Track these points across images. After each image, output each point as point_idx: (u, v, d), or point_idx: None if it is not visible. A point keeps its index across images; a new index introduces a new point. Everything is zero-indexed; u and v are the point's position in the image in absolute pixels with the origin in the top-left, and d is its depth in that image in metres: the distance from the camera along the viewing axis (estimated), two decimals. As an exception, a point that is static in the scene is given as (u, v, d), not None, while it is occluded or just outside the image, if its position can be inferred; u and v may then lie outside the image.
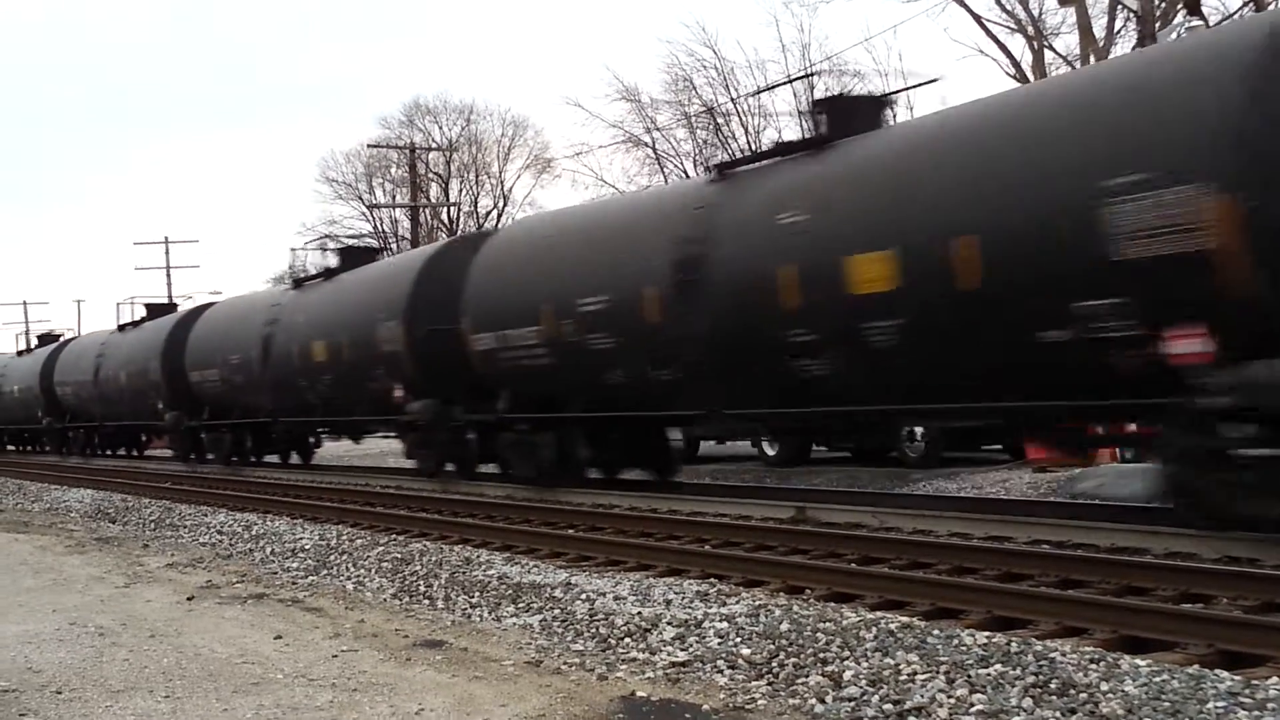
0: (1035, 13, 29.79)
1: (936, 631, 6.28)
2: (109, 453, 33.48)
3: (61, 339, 41.81)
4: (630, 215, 15.53)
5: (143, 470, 27.44)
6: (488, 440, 17.45)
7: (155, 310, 33.53)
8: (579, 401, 15.42)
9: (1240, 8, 24.34)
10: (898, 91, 28.34)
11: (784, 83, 29.50)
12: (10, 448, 39.77)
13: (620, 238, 14.80)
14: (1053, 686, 5.18)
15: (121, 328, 29.79)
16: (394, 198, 53.67)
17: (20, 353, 37.54)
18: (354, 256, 23.98)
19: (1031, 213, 9.70)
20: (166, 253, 60.49)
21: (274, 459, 27.68)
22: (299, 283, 24.58)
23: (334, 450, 31.01)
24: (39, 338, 37.43)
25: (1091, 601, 7.09)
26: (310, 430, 25.47)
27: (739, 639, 6.46)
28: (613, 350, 14.28)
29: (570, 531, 12.04)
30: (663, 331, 13.46)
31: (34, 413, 34.33)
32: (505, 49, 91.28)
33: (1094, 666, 5.42)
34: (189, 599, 8.92)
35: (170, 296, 58.24)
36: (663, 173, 40.09)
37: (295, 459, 27.37)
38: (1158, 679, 5.17)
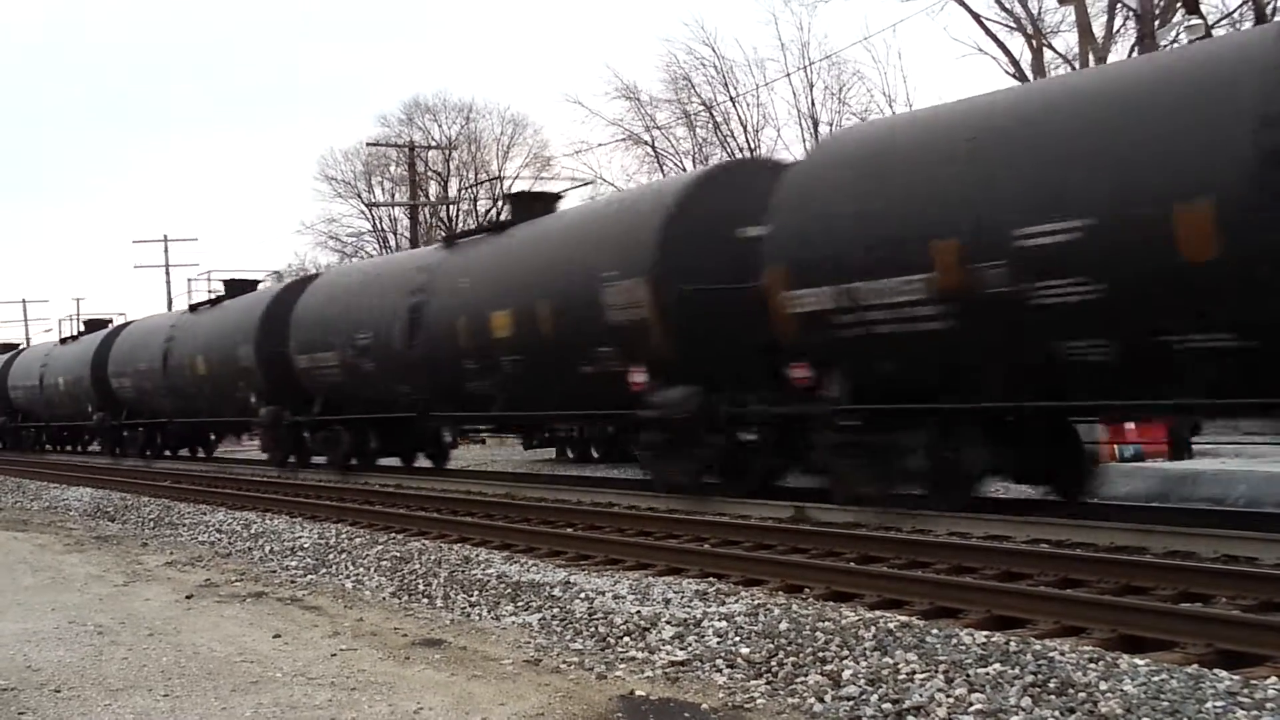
0: (1035, 11, 29.81)
1: (935, 631, 6.29)
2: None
3: (113, 324, 42.01)
4: (383, 271, 21.32)
5: (141, 469, 27.56)
6: (314, 436, 22.69)
7: (91, 325, 38.86)
8: (360, 406, 21.02)
9: (1238, 6, 24.37)
10: (571, 188, 35.99)
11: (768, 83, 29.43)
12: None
13: (376, 288, 20.33)
14: (1051, 686, 5.18)
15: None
16: (393, 196, 53.67)
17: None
18: (235, 288, 28.53)
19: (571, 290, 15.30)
20: (165, 251, 60.56)
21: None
22: (194, 308, 29.53)
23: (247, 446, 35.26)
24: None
25: (1090, 601, 7.09)
26: (203, 430, 31.70)
27: (738, 638, 6.47)
28: (375, 370, 19.79)
29: (569, 530, 12.05)
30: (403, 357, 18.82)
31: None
32: (505, 47, 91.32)
33: (1093, 666, 5.42)
34: (188, 597, 8.91)
35: (169, 294, 58.44)
36: (661, 170, 40.11)
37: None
38: (1156, 678, 5.17)
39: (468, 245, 18.92)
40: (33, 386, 38.61)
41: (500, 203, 52.71)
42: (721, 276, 13.23)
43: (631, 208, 15.31)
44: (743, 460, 13.58)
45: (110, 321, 39.00)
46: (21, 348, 48.80)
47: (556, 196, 19.40)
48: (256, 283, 30.35)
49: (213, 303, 28.43)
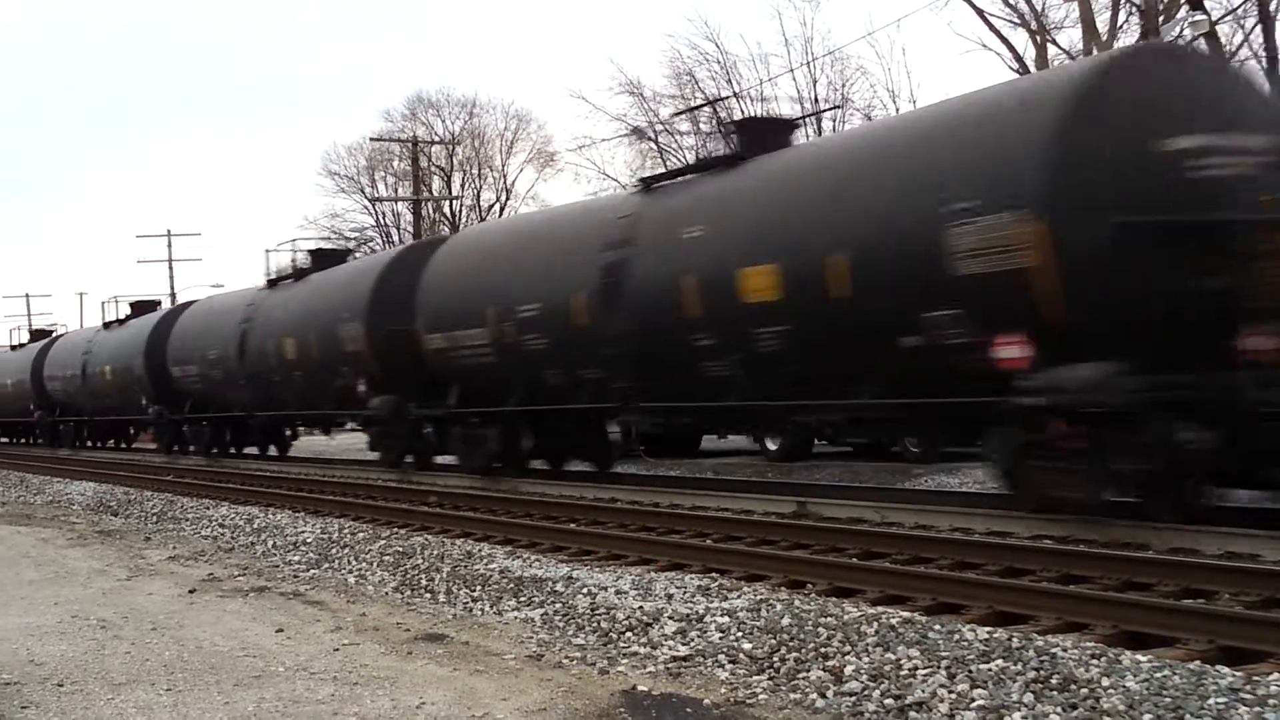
0: (1038, 7, 29.76)
1: (938, 626, 6.29)
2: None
3: (53, 335, 42.15)
4: (559, 224, 16.95)
5: (144, 463, 27.52)
6: (442, 433, 18.42)
7: (139, 308, 34.78)
8: (519, 395, 16.62)
9: (1242, 3, 24.33)
10: (810, 114, 29.58)
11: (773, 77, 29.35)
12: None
13: (548, 245, 16.29)
14: (1054, 682, 5.18)
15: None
16: (396, 191, 53.68)
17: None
18: (324, 258, 24.71)
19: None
20: (169, 246, 60.50)
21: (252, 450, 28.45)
22: (273, 283, 25.07)
23: (314, 443, 31.58)
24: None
25: (1093, 597, 7.09)
26: (285, 424, 26.81)
27: (740, 634, 6.47)
28: (548, 350, 15.76)
29: (572, 526, 12.05)
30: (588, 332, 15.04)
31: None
32: (508, 42, 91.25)
33: (1095, 662, 5.42)
34: (191, 592, 8.93)
35: (173, 289, 58.41)
36: (665, 166, 40.07)
37: (273, 451, 28.16)
38: (1159, 674, 5.17)
39: (684, 186, 14.58)
40: (73, 376, 34.70)
41: (503, 197, 52.66)
42: (1150, 206, 9.53)
43: (997, 111, 10.81)
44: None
45: (159, 304, 35.84)
46: (59, 333, 43.62)
47: (794, 124, 15.84)
48: (348, 253, 27.78)
49: (297, 276, 24.15)
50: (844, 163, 12.29)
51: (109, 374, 32.03)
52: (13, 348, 45.69)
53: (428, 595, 8.51)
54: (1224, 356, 9.39)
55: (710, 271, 12.99)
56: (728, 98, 37.24)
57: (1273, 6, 23.86)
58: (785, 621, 6.59)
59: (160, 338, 28.99)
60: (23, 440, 44.19)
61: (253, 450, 28.26)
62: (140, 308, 34.68)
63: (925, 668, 5.54)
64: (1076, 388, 9.48)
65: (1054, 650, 5.64)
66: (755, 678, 5.72)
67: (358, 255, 30.30)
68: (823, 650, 6.00)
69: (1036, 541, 9.27)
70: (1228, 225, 9.32)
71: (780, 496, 12.80)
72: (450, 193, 52.78)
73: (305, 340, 21.66)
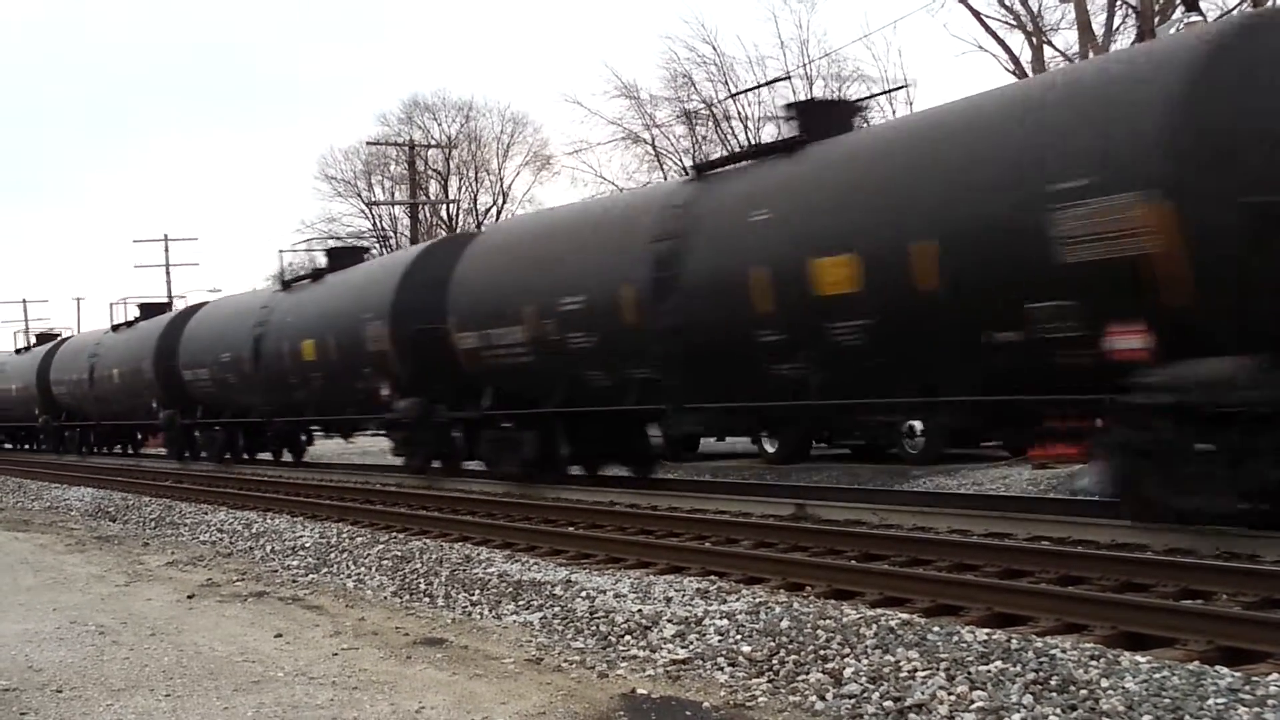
0: (1034, 9, 29.78)
1: (937, 628, 6.29)
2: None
3: (59, 338, 41.78)
4: (600, 214, 16.27)
5: (143, 469, 27.46)
6: (472, 437, 17.60)
7: (149, 310, 33.98)
8: (559, 397, 15.64)
9: (1238, 3, 24.35)
10: (872, 96, 28.86)
11: (766, 82, 29.34)
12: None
13: (591, 237, 15.31)
14: (1053, 683, 5.18)
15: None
16: (393, 195, 53.63)
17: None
18: (341, 257, 24.07)
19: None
20: (166, 250, 60.45)
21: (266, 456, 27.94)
22: (287, 284, 24.53)
23: (329, 448, 31.19)
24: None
25: (1092, 598, 7.09)
26: (302, 429, 25.87)
27: (739, 636, 6.46)
28: (594, 348, 14.70)
29: (570, 529, 12.04)
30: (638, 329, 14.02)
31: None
32: (504, 46, 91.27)
33: (1094, 663, 5.42)
34: (189, 597, 8.92)
35: (170, 294, 58.37)
36: (662, 169, 40.11)
37: (287, 457, 27.57)
38: (1158, 675, 5.17)
39: (742, 172, 13.69)
40: (80, 380, 34.03)
41: (500, 200, 52.67)
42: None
43: (1105, 83, 9.81)
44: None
45: (169, 306, 35.36)
46: (65, 337, 42.98)
47: (858, 107, 15.30)
48: (364, 250, 26.95)
49: (313, 276, 23.59)
50: (927, 141, 11.30)
51: (117, 378, 31.39)
52: (18, 351, 45.46)
53: (427, 599, 8.51)
54: None
55: (780, 262, 12.03)
56: (724, 100, 37.25)
57: (1268, 6, 23.88)
58: (784, 624, 6.59)
59: (171, 340, 28.26)
60: (27, 446, 43.67)
61: (266, 456, 27.78)
62: (150, 310, 34.01)
63: (925, 669, 5.54)
64: (1209, 384, 8.49)
65: (1053, 651, 5.64)
66: (755, 680, 5.72)
67: (374, 254, 29.63)
68: (822, 652, 6.00)
69: (1034, 543, 9.27)
70: None
71: (779, 499, 12.79)
72: (447, 196, 52.80)
73: (324, 342, 21.02)
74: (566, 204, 22.59)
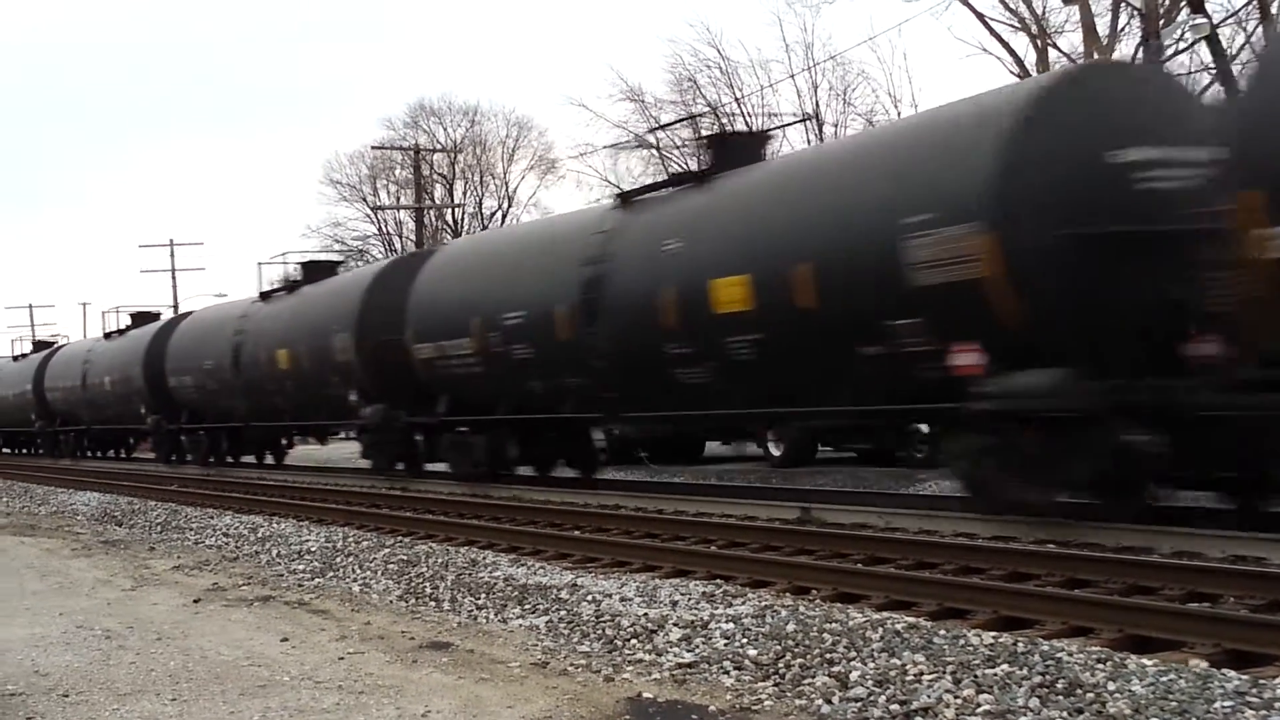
0: (1039, 11, 29.76)
1: (943, 631, 6.28)
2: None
3: (54, 345, 42.35)
4: (541, 237, 17.71)
5: (149, 473, 27.57)
6: (432, 441, 19.06)
7: (139, 319, 35.61)
8: (506, 404, 17.10)
9: (1244, 5, 24.34)
10: (781, 125, 30.70)
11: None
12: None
13: (533, 258, 16.77)
14: (1059, 686, 5.17)
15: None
16: (398, 199, 53.66)
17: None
18: (315, 270, 25.21)
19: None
20: (171, 255, 60.64)
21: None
22: (265, 295, 25.86)
23: (321, 453, 31.74)
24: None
25: (1098, 601, 7.08)
26: (280, 433, 27.43)
27: (745, 640, 6.46)
28: (533, 359, 16.10)
29: (576, 533, 12.05)
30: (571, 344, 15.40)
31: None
32: (509, 50, 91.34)
33: (1101, 666, 5.41)
34: (195, 602, 8.93)
35: (175, 299, 58.52)
36: (666, 173, 40.08)
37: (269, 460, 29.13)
38: (1165, 678, 5.16)
39: (660, 202, 15.14)
40: (73, 387, 35.40)
41: (505, 204, 52.74)
42: (1092, 216, 9.84)
43: (949, 129, 11.28)
44: (1127, 472, 9.84)
45: (159, 315, 36.45)
46: (60, 344, 44.67)
47: (767, 138, 16.69)
48: (338, 264, 28.10)
49: (289, 288, 25.19)
50: (808, 176, 12.90)
51: (108, 384, 32.58)
52: (15, 358, 46.01)
53: (432, 603, 8.51)
54: (1175, 362, 9.58)
55: (685, 283, 13.40)
56: (729, 103, 37.28)
57: (1274, 8, 23.88)
58: (790, 627, 6.58)
59: (158, 348, 29.44)
60: (24, 450, 44.46)
61: (250, 459, 28.70)
62: (140, 318, 35.41)
63: (931, 673, 5.53)
64: (1029, 393, 9.84)
65: (1059, 655, 5.63)
66: (761, 684, 5.71)
67: (352, 266, 30.61)
68: (828, 656, 5.99)
69: (1040, 546, 9.26)
70: (1174, 235, 9.43)
71: (784, 502, 12.79)
72: (452, 201, 52.84)
73: (297, 351, 22.24)
74: (511, 226, 25.15)
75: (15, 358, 46.19)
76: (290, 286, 25.16)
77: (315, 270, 25.12)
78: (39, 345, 46.30)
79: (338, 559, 10.92)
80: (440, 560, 10.14)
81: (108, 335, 35.65)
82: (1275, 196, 8.39)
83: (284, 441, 28.93)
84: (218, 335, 26.23)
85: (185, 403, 28.46)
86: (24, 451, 44.23)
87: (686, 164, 40.47)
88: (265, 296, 25.87)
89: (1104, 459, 9.54)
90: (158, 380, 29.12)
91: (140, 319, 35.28)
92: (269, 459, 28.75)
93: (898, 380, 11.24)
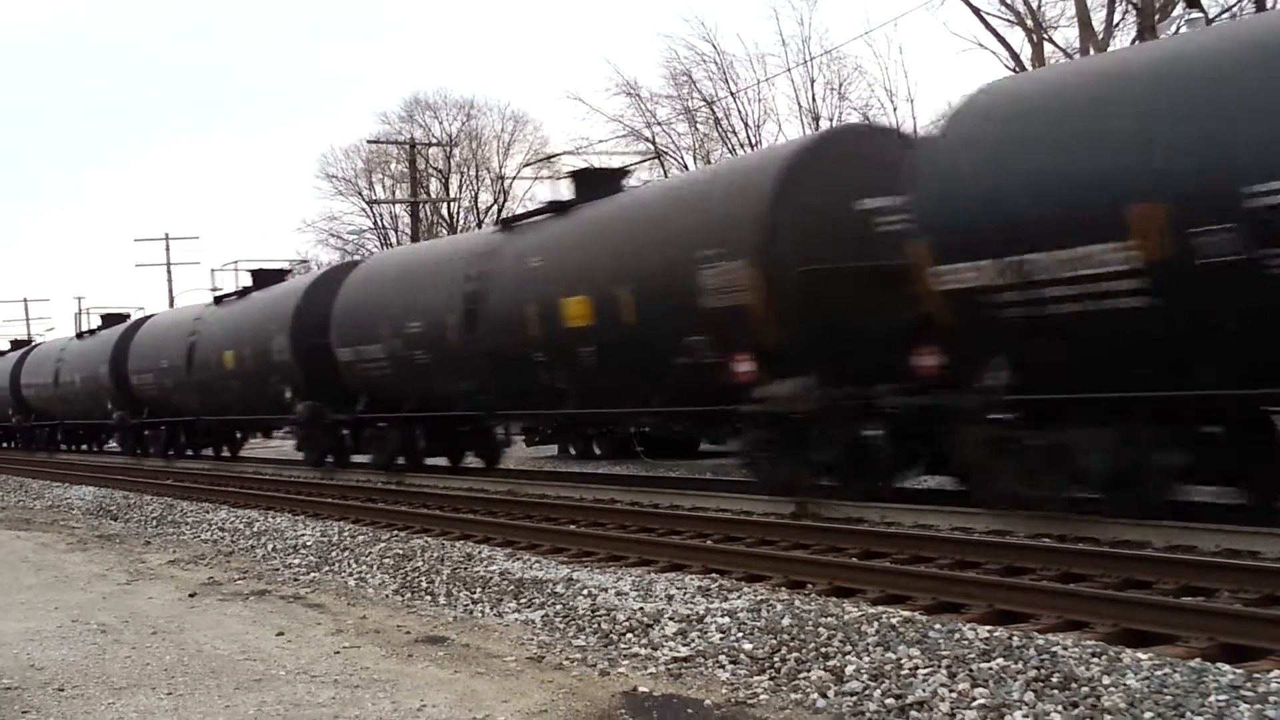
0: (1034, 5, 29.73)
1: (938, 626, 6.29)
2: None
3: (131, 319, 40.27)
4: (436, 255, 19.64)
5: (144, 468, 27.60)
6: (356, 435, 21.39)
7: (109, 319, 37.01)
8: (411, 403, 19.32)
9: (1237, 0, 24.33)
10: (636, 164, 34.48)
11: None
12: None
13: (428, 274, 18.67)
14: (1054, 680, 5.18)
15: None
16: (394, 193, 53.61)
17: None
18: (265, 278, 26.92)
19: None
20: (167, 249, 60.51)
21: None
22: (219, 300, 28.24)
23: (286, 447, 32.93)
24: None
25: (1093, 595, 7.09)
26: (231, 427, 29.36)
27: (741, 634, 6.47)
28: (430, 364, 18.12)
29: (572, 527, 12.05)
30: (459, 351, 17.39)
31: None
32: (505, 44, 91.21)
33: (1096, 660, 5.42)
34: (191, 596, 8.93)
35: (171, 293, 58.50)
36: (663, 167, 40.09)
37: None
38: (1159, 672, 5.18)
39: (530, 227, 17.20)
40: (46, 384, 37.00)
41: (501, 198, 52.70)
42: (840, 254, 12.04)
43: (732, 179, 13.84)
44: (863, 460, 12.09)
45: (128, 316, 37.21)
46: (34, 344, 46.12)
47: (623, 173, 18.30)
48: (286, 273, 29.24)
49: (240, 294, 27.09)
50: (635, 213, 15.22)
51: (79, 381, 34.34)
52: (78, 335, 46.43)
53: (428, 598, 8.51)
54: (902, 372, 11.46)
55: (544, 300, 15.61)
56: (725, 98, 37.27)
57: (1269, 3, 23.88)
58: (786, 622, 6.59)
59: (123, 348, 31.35)
60: (4, 445, 45.40)
61: (208, 452, 30.42)
62: (110, 319, 36.96)
63: (926, 667, 5.54)
64: (780, 398, 12.32)
65: (1054, 649, 5.64)
66: (756, 678, 5.72)
67: (298, 273, 32.30)
68: (823, 650, 6.00)
69: (1036, 540, 9.27)
70: (895, 269, 11.03)
71: (780, 497, 12.79)
72: (448, 195, 52.78)
73: (242, 352, 24.31)
74: (421, 243, 27.09)
75: (80, 334, 46.69)
76: (241, 293, 27.18)
77: (264, 278, 26.89)
78: (16, 344, 47.55)
79: (333, 553, 10.92)
80: (436, 554, 10.14)
81: (79, 335, 37.52)
82: (936, 245, 10.47)
83: (238, 435, 30.94)
84: (174, 337, 28.29)
85: (146, 399, 30.42)
86: (4, 445, 45.15)
87: (683, 161, 40.50)
88: (219, 301, 28.22)
89: (844, 449, 12.07)
90: (122, 378, 31.08)
91: (110, 320, 36.93)
92: (225, 452, 30.64)
93: (701, 385, 13.51)
